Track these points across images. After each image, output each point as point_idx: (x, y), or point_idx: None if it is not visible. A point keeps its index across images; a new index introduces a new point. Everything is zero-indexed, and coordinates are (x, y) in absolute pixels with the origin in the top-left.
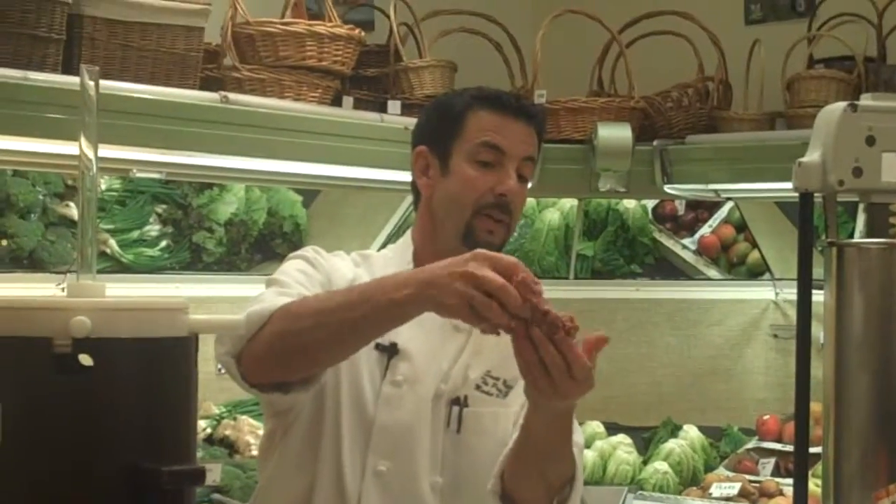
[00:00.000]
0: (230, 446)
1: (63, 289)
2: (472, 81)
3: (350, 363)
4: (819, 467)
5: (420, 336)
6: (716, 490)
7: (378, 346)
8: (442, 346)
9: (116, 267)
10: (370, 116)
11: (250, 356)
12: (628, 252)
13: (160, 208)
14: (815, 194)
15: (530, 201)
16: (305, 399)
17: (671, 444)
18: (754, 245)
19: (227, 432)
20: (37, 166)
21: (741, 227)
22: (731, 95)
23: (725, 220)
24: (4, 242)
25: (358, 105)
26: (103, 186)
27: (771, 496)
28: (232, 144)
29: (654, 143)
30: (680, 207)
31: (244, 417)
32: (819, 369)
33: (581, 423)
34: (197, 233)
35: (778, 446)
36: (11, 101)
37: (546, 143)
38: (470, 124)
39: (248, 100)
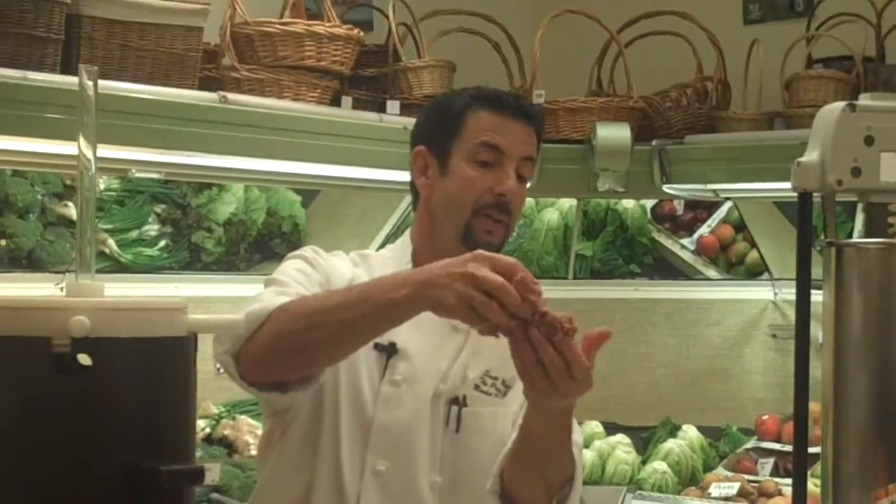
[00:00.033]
0: (229, 446)
1: (62, 288)
2: (470, 81)
3: (349, 363)
4: (818, 467)
5: (419, 336)
6: (715, 490)
7: (377, 346)
8: (441, 345)
9: (115, 267)
10: (369, 116)
11: (248, 355)
12: (627, 252)
13: (159, 208)
14: (814, 194)
15: (529, 201)
16: (304, 398)
17: (670, 444)
18: (753, 245)
19: (226, 432)
20: (35, 166)
21: (740, 226)
22: (730, 95)
23: (724, 220)
24: (3, 242)
25: (357, 105)
26: (102, 186)
27: (770, 496)
28: (231, 144)
29: (653, 142)
30: (679, 207)
31: (243, 417)
32: (818, 369)
33: (580, 423)
34: (196, 233)
35: (777, 446)
36: (10, 100)
37: (545, 143)
38: (469, 124)
39: (247, 100)
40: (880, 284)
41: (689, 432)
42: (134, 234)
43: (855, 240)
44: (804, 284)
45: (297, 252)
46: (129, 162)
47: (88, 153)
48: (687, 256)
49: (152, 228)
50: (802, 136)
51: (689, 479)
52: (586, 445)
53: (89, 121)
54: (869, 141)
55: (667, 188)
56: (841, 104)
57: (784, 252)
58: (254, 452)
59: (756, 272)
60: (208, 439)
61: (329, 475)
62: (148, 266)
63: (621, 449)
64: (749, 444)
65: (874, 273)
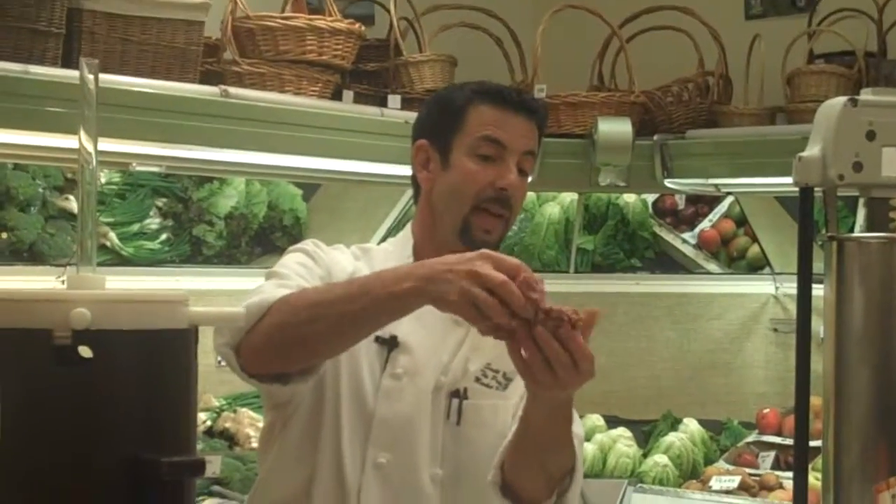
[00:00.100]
0: (230, 439)
1: (63, 282)
2: (472, 76)
3: (350, 355)
4: (819, 461)
5: (420, 329)
6: (716, 483)
7: (378, 339)
8: (442, 338)
9: (116, 260)
10: (370, 111)
11: (249, 347)
12: (628, 246)
13: (160, 202)
14: (816, 189)
15: (530, 195)
16: (305, 390)
17: (671, 438)
18: (754, 239)
19: (227, 425)
20: (37, 160)
21: (741, 221)
22: (732, 90)
23: (725, 215)
24: (4, 235)
25: (358, 99)
26: (103, 180)
27: (771, 489)
28: (232, 138)
29: (655, 137)
30: (680, 202)
31: (244, 410)
32: (819, 363)
33: (581, 417)
34: (197, 226)
35: (778, 440)
36: (11, 94)
37: (546, 138)
38: (471, 118)
39: (248, 94)
40: (881, 279)
41: (691, 426)
42: (135, 227)
43: (856, 234)
44: (805, 279)
45: (299, 245)
46: (131, 155)
47: (89, 147)
48: (688, 251)
49: (153, 222)
50: (804, 130)
51: (690, 472)
52: (587, 439)
53: (90, 114)
54: (870, 136)
55: (668, 183)
56: (842, 99)
57: (785, 246)
58: (255, 445)
59: (757, 266)
60: (209, 432)
61: (330, 468)
62: (149, 259)
63: (622, 442)
64: (750, 438)
65: (875, 267)
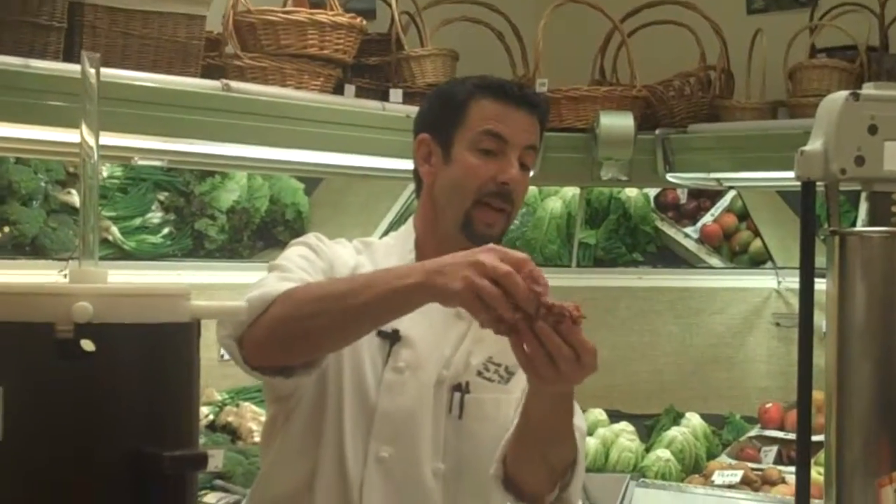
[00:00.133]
0: (233, 433)
1: (65, 276)
2: (473, 70)
3: (352, 350)
4: (821, 455)
5: (422, 323)
6: (718, 478)
7: (380, 333)
8: (444, 332)
9: (118, 254)
10: (372, 105)
11: (252, 340)
12: (630, 240)
13: (162, 196)
14: (818, 183)
15: (532, 190)
16: (307, 383)
17: (673, 432)
18: (756, 234)
19: (230, 419)
20: (38, 154)
21: (743, 215)
22: (733, 84)
23: (727, 209)
24: (6, 229)
25: (360, 93)
26: (105, 174)
27: (773, 484)
28: (234, 132)
29: (656, 131)
30: (682, 196)
31: (247, 404)
32: (821, 357)
33: (584, 411)
34: (199, 220)
35: (780, 434)
36: (13, 88)
37: (548, 132)
38: (472, 113)
39: (250, 88)
40: (884, 273)
41: (693, 420)
42: (137, 221)
43: (858, 229)
44: (808, 273)
45: (301, 239)
46: (132, 150)
47: (91, 141)
48: (690, 245)
49: (155, 216)
50: (806, 125)
51: (693, 466)
52: (590, 433)
53: (92, 108)
54: (873, 130)
55: (670, 177)
56: (844, 93)
57: (787, 241)
58: (257, 439)
59: (759, 261)
60: (212, 426)
61: (332, 461)
62: (151, 253)
63: (625, 437)
64: (752, 433)
65: (878, 262)
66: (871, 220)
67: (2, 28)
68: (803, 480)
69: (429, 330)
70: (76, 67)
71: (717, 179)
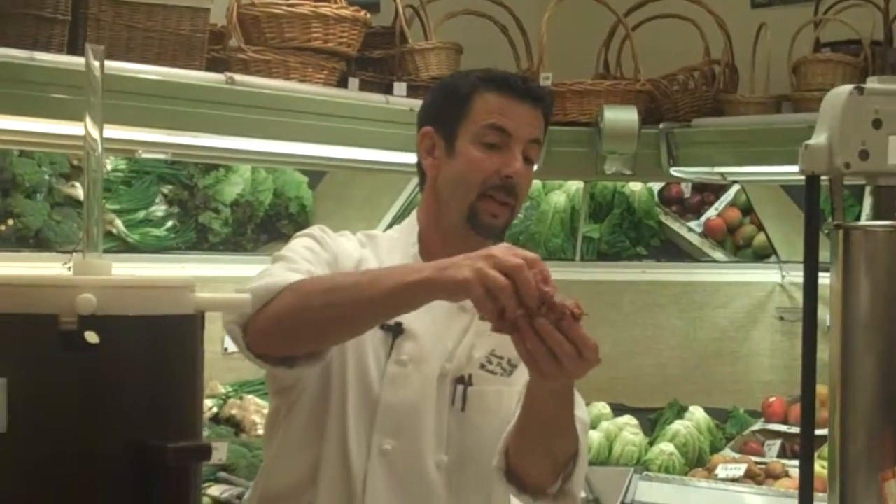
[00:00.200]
0: (236, 426)
1: (69, 268)
2: (477, 64)
3: (356, 342)
4: (825, 449)
5: (425, 316)
6: (721, 471)
7: (383, 326)
8: (447, 326)
9: (122, 247)
10: (376, 98)
11: (257, 328)
12: (634, 234)
13: (166, 189)
14: (822, 177)
15: (536, 183)
16: (310, 375)
17: (677, 426)
18: (760, 228)
19: (234, 412)
20: (42, 146)
21: (747, 209)
22: (738, 79)
23: (731, 203)
24: (11, 222)
25: (363, 87)
26: (109, 167)
27: (777, 478)
28: (238, 125)
29: (661, 125)
30: (686, 190)
31: (250, 397)
32: (825, 352)
33: (587, 404)
34: (203, 213)
35: (784, 428)
36: (17, 81)
37: (552, 126)
38: (476, 106)
39: (254, 81)
40: (888, 267)
41: (697, 414)
42: (141, 214)
43: (862, 223)
44: (812, 267)
45: (306, 231)
46: (136, 143)
47: (95, 133)
48: (694, 239)
49: (159, 209)
50: (810, 119)
51: (696, 460)
52: (593, 426)
53: (96, 101)
54: (877, 124)
55: (674, 171)
56: (849, 87)
57: (791, 235)
58: (261, 432)
59: (763, 255)
60: (215, 419)
61: (336, 454)
62: (155, 246)
63: (628, 430)
64: (756, 426)
65: (882, 256)
66: (876, 215)
67: (6, 21)
68: (807, 474)
69: (432, 323)
70: (80, 60)
71: (721, 174)
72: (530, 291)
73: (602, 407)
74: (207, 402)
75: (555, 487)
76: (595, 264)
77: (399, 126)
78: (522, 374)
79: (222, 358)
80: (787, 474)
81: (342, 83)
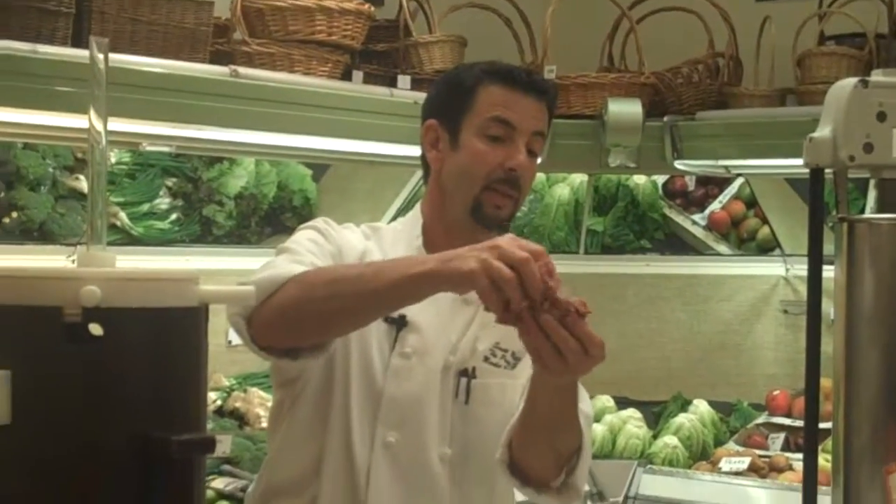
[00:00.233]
0: (240, 418)
1: (73, 261)
2: (481, 57)
3: (359, 335)
4: (829, 442)
5: (429, 308)
6: (725, 465)
7: (387, 319)
8: (451, 318)
9: (126, 240)
10: (380, 91)
11: (261, 320)
12: (638, 227)
13: (170, 181)
14: (826, 170)
15: (540, 176)
16: (313, 367)
17: (681, 419)
18: (764, 221)
19: (238, 404)
20: (47, 139)
21: (751, 202)
22: (742, 72)
23: (736, 196)
24: (15, 214)
25: (367, 80)
26: (113, 159)
27: (780, 471)
28: (242, 118)
29: (665, 118)
30: (690, 183)
31: (254, 390)
32: (829, 345)
33: (591, 398)
34: (207, 206)
35: (787, 421)
36: (21, 74)
37: (556, 119)
38: (480, 99)
39: (258, 74)
40: (892, 260)
41: (700, 407)
42: (145, 207)
43: (867, 216)
44: (816, 260)
45: (310, 223)
46: (141, 135)
47: (99, 126)
48: (698, 232)
49: (163, 202)
50: (814, 112)
51: (700, 453)
52: (597, 419)
53: (100, 94)
54: (881, 117)
55: (678, 164)
56: (853, 80)
57: (795, 228)
58: (265, 425)
59: (767, 248)
60: (219, 412)
61: (339, 446)
62: (159, 239)
63: (632, 423)
64: (760, 420)
65: (886, 249)
66: (880, 208)
67: (10, 13)
68: (811, 467)
69: (436, 315)
70: (84, 53)
71: (726, 167)
72: (535, 284)
73: (606, 400)
74: (211, 395)
75: (558, 481)
76: (599, 257)
77: (403, 119)
78: (526, 367)
79: (226, 350)
80: (790, 467)
81: (346, 76)
